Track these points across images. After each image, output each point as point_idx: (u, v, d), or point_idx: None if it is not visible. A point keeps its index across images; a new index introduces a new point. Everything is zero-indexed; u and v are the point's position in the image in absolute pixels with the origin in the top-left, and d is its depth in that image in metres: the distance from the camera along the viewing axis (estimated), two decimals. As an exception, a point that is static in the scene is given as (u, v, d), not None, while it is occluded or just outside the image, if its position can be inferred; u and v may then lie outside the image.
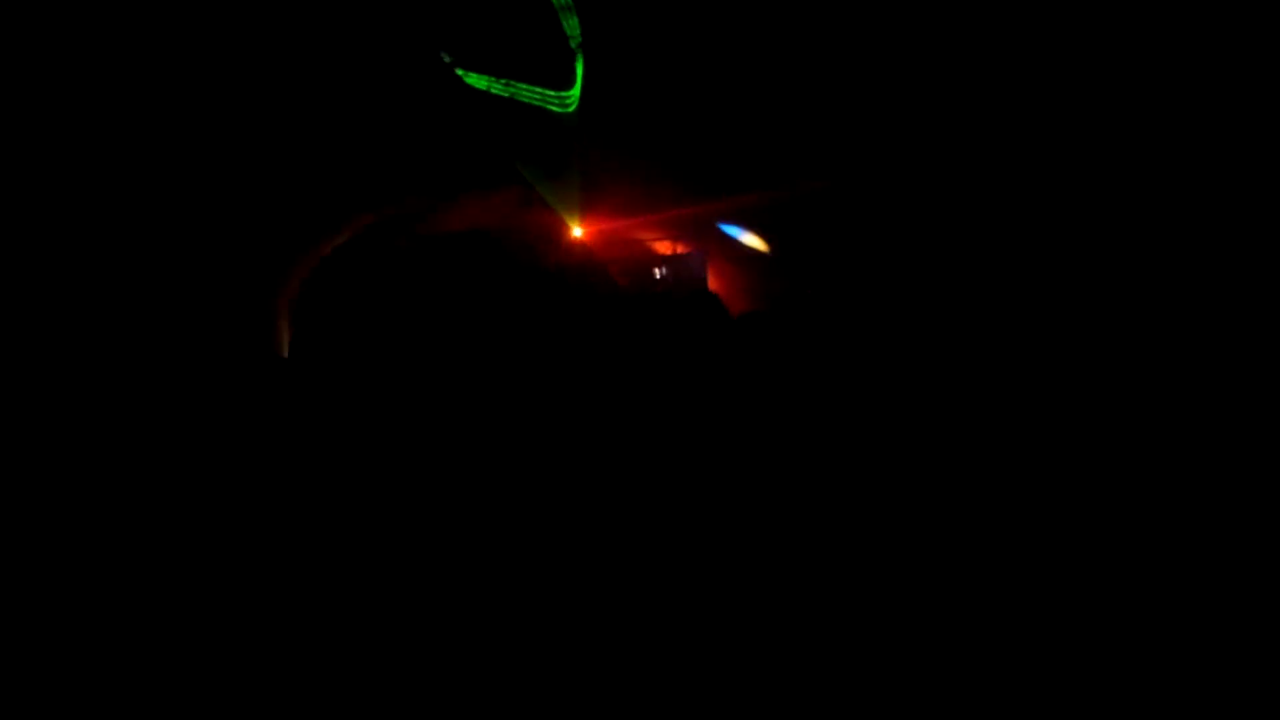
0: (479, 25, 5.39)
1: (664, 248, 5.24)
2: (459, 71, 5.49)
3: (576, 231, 5.43)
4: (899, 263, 4.73)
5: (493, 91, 5.55)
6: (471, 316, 4.82)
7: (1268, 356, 3.14)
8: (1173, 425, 3.06)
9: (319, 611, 3.51)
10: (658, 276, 5.02)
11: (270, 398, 4.39)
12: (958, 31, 4.73)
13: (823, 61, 4.94)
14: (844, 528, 3.39)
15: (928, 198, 4.84)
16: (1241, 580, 2.78)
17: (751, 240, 5.12)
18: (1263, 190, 3.91)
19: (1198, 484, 2.92)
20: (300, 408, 4.36)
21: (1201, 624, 2.74)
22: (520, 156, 5.48)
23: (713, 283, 5.06)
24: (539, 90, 5.55)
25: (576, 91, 5.44)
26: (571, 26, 5.56)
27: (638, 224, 5.28)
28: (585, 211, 5.38)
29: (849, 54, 4.92)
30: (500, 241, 5.20)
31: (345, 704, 3.22)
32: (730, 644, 3.03)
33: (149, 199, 4.48)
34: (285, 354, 4.99)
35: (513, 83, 5.53)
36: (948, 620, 3.01)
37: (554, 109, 5.57)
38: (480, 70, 5.48)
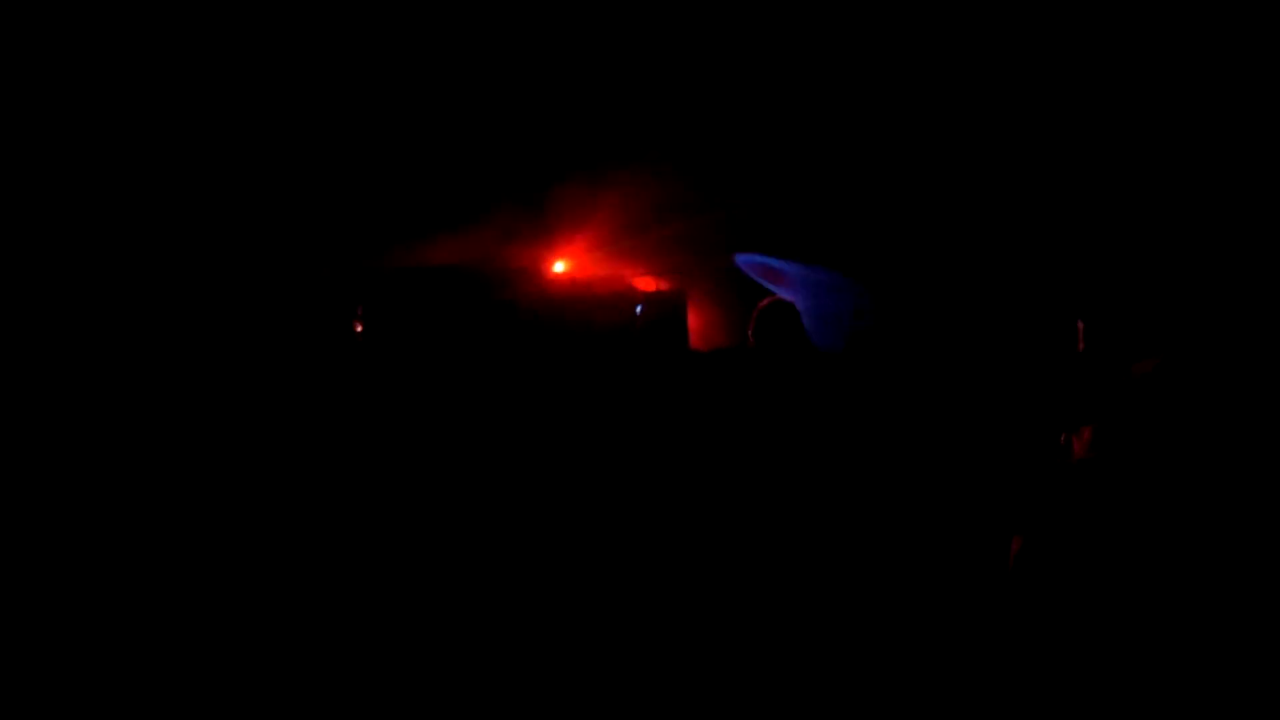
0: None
1: (646, 284, 4.88)
2: None
3: (558, 266, 5.10)
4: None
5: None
6: (448, 352, 4.67)
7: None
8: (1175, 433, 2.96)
9: (320, 611, 3.73)
10: (637, 314, 4.64)
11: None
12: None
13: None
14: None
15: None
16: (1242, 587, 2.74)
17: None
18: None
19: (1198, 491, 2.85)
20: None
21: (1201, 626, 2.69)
22: (504, 185, 5.20)
23: (692, 320, 4.68)
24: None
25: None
26: None
27: (621, 257, 4.94)
28: (566, 245, 5.06)
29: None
30: (478, 277, 4.95)
31: (346, 703, 3.35)
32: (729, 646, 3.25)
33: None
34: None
35: None
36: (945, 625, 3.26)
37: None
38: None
